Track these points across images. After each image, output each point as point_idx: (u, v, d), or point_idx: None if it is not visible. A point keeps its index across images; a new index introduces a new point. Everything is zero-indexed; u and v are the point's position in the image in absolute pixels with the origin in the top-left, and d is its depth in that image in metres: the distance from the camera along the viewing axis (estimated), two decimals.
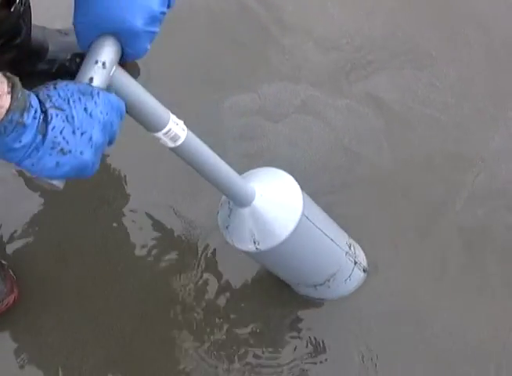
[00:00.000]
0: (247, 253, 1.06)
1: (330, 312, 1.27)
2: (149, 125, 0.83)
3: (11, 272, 1.29)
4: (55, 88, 0.70)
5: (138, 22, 0.74)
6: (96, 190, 1.40)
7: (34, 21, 1.30)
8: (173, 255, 1.33)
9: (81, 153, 0.69)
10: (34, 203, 1.40)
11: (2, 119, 0.63)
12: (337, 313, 1.26)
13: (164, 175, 1.40)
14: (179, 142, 0.86)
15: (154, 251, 1.34)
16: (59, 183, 0.72)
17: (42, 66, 1.43)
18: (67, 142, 0.68)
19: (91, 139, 0.69)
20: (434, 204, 1.34)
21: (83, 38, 0.77)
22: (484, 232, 1.31)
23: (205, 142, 0.92)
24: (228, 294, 1.30)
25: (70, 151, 0.68)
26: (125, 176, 1.41)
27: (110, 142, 0.75)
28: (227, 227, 1.05)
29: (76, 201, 1.39)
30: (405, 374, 1.21)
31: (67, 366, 1.26)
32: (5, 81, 0.65)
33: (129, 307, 1.30)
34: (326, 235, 1.12)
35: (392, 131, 1.42)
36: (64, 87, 0.70)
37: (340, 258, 1.20)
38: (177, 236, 1.35)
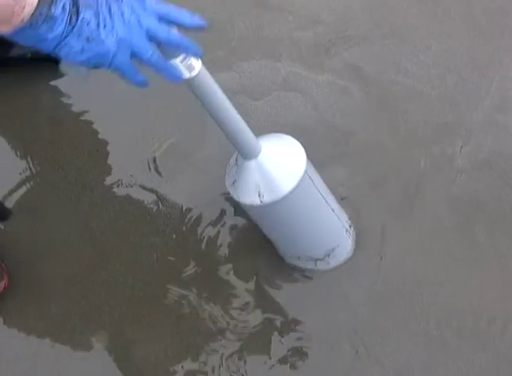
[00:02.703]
0: (252, 209, 1.11)
1: (317, 292, 1.27)
2: (168, 51, 0.87)
3: None
4: None
5: None
6: (79, 177, 1.39)
7: None
8: (158, 239, 1.32)
9: (103, 42, 0.79)
10: (17, 191, 1.38)
11: (33, 13, 0.73)
12: (323, 292, 1.26)
13: (145, 160, 1.39)
14: (194, 73, 0.90)
15: (139, 236, 1.33)
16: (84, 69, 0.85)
17: (17, 52, 1.41)
18: (92, 32, 0.78)
19: (112, 29, 0.79)
20: (421, 177, 1.34)
21: None
22: (472, 203, 1.31)
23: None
24: (214, 277, 1.29)
25: (94, 39, 0.78)
26: (107, 162, 1.40)
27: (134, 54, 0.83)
28: (233, 183, 1.09)
29: (59, 188, 1.38)
30: (396, 350, 1.21)
31: (55, 354, 1.25)
32: None
33: (116, 293, 1.29)
34: (328, 203, 1.15)
35: (376, 105, 1.42)
36: None
37: (340, 233, 1.22)
38: (161, 220, 1.34)
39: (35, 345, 1.26)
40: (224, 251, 1.30)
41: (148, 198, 1.36)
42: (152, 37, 0.83)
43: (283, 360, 1.22)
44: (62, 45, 0.78)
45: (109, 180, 1.38)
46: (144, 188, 1.37)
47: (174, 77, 0.87)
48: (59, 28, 0.76)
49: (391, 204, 1.32)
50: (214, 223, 1.32)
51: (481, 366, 1.18)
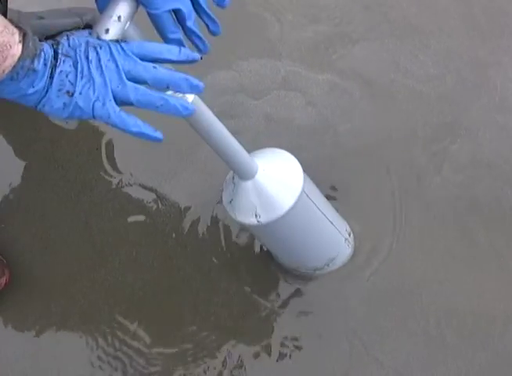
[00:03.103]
0: (249, 228, 1.09)
1: (316, 292, 1.27)
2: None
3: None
4: (67, 38, 0.76)
5: None
6: (79, 176, 1.39)
7: (10, 4, 1.27)
8: (157, 238, 1.32)
9: (81, 94, 0.76)
10: (16, 189, 1.38)
11: (15, 66, 0.70)
12: (322, 291, 1.27)
13: (146, 158, 1.39)
14: None
15: (138, 235, 1.33)
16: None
17: None
18: (72, 85, 0.75)
19: (89, 79, 0.76)
20: (421, 177, 1.34)
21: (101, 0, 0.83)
22: (472, 203, 1.31)
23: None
24: (214, 276, 1.29)
25: (73, 92, 0.75)
26: (107, 160, 1.40)
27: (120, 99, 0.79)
28: (230, 202, 1.08)
29: (58, 187, 1.38)
30: (396, 350, 1.21)
31: (54, 353, 1.25)
32: (16, 31, 0.71)
33: (116, 292, 1.29)
34: (326, 217, 1.14)
35: (375, 104, 1.41)
36: (75, 37, 0.77)
37: (339, 243, 1.22)
38: (160, 219, 1.34)
39: (35, 343, 1.26)
40: (224, 250, 1.30)
41: (148, 197, 1.36)
42: (136, 79, 0.78)
43: (282, 360, 1.22)
44: (44, 101, 0.75)
45: (108, 179, 1.38)
46: (144, 187, 1.37)
47: (182, 108, 0.81)
48: (41, 83, 0.73)
49: (391, 204, 1.32)
50: (213, 222, 1.32)
51: (481, 365, 1.18)
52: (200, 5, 0.85)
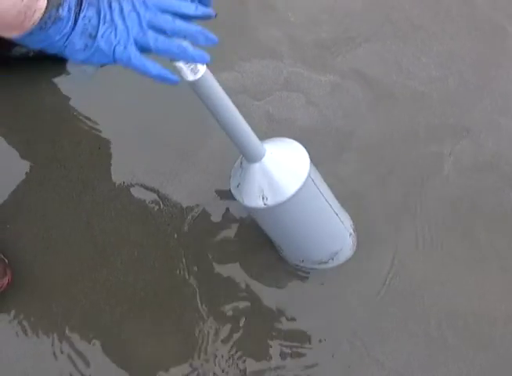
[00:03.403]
0: (256, 213, 1.12)
1: (317, 293, 1.27)
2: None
3: (1, 256, 1.27)
4: None
5: None
6: (80, 175, 1.39)
7: None
8: (159, 239, 1.32)
9: (103, 38, 0.82)
10: (17, 189, 1.38)
11: (43, 17, 0.78)
12: (323, 292, 1.26)
13: (148, 158, 1.39)
14: (198, 76, 0.90)
15: (140, 235, 1.33)
16: (90, 70, 0.90)
17: (18, 51, 1.40)
18: (93, 29, 0.81)
19: (111, 25, 0.82)
20: (422, 178, 1.34)
21: None
22: (473, 204, 1.31)
23: None
24: (215, 276, 1.29)
25: (95, 36, 0.81)
26: (109, 160, 1.40)
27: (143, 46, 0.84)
28: (238, 186, 1.10)
29: (60, 186, 1.38)
30: (396, 351, 1.21)
31: (55, 353, 1.25)
32: None
33: (117, 292, 1.29)
34: (332, 207, 1.16)
35: (377, 106, 1.41)
36: None
37: (344, 237, 1.22)
38: (162, 220, 1.34)
39: (36, 343, 1.26)
40: (225, 250, 1.30)
41: (149, 197, 1.36)
42: (155, 29, 0.83)
43: (282, 360, 1.22)
44: (67, 44, 0.81)
45: (110, 179, 1.38)
46: (145, 187, 1.37)
47: (198, 56, 0.87)
48: (66, 28, 0.80)
49: (392, 204, 1.32)
50: (215, 223, 1.32)
51: (482, 366, 1.18)
52: None
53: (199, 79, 0.90)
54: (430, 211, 1.31)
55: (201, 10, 0.87)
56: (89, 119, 1.44)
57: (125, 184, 1.37)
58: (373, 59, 1.46)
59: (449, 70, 1.45)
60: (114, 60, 0.84)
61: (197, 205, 1.34)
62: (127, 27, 0.82)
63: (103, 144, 1.41)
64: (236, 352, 1.23)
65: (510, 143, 1.37)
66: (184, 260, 1.30)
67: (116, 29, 0.82)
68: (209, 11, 0.88)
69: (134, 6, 0.83)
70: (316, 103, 1.42)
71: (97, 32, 0.81)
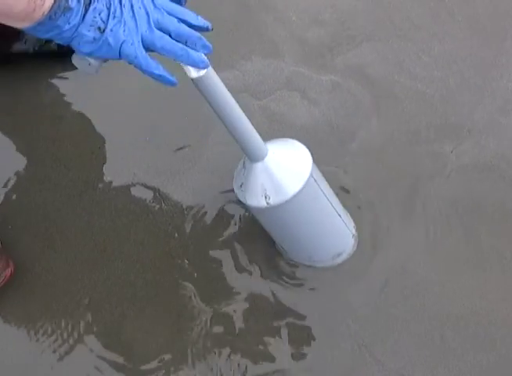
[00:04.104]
0: (259, 213, 1.13)
1: (317, 293, 1.27)
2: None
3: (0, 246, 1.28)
4: None
5: None
6: (81, 175, 1.39)
7: None
8: (159, 238, 1.32)
9: (112, 32, 0.83)
10: (17, 189, 1.38)
11: (52, 7, 0.78)
12: (323, 292, 1.26)
13: (148, 157, 1.39)
14: (202, 73, 0.91)
15: (141, 235, 1.33)
16: (95, 63, 0.88)
17: (19, 47, 1.40)
18: (103, 22, 0.82)
19: (121, 20, 0.83)
20: (424, 178, 1.34)
21: None
22: (475, 204, 1.31)
23: None
24: (216, 276, 1.29)
25: (104, 29, 0.83)
26: (110, 159, 1.40)
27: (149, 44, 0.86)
28: (241, 186, 1.10)
29: (60, 186, 1.38)
30: (397, 351, 1.21)
31: (56, 353, 1.25)
32: None
33: (117, 291, 1.29)
34: (334, 208, 1.16)
35: (378, 106, 1.41)
36: None
37: (347, 238, 1.23)
38: (163, 219, 1.34)
39: (36, 342, 1.26)
40: (226, 250, 1.30)
41: (150, 196, 1.36)
42: (161, 28, 0.86)
43: (282, 360, 1.22)
44: (75, 35, 0.82)
45: (111, 178, 1.38)
46: (146, 186, 1.36)
47: (199, 61, 0.89)
48: (76, 19, 0.81)
49: (393, 204, 1.32)
50: (216, 222, 1.32)
51: (483, 367, 1.18)
52: None
53: (202, 76, 0.91)
54: (432, 211, 1.31)
55: (202, 21, 0.90)
56: (90, 118, 1.44)
57: (126, 183, 1.37)
58: (375, 58, 1.46)
59: (450, 69, 1.45)
60: (120, 56, 0.86)
61: (198, 204, 1.34)
62: (135, 24, 0.84)
63: (104, 143, 1.41)
64: (236, 352, 1.23)
65: (511, 143, 1.37)
66: (184, 259, 1.30)
67: (125, 25, 0.83)
68: (208, 23, 0.91)
69: (143, 3, 0.84)
70: (317, 103, 1.42)
71: (106, 26, 0.82)
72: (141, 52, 0.85)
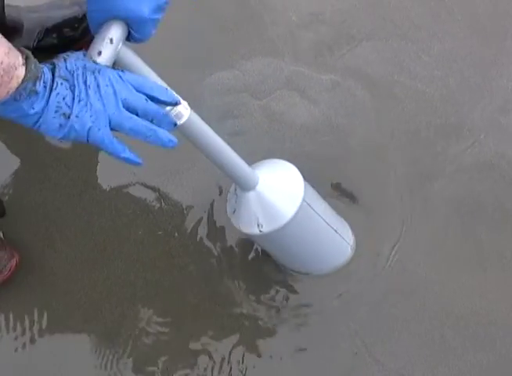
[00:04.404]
0: (253, 237, 1.13)
1: (317, 293, 1.27)
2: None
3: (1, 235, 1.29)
4: (64, 60, 0.79)
5: (146, 11, 0.84)
6: (81, 174, 1.39)
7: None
8: (159, 238, 1.32)
9: (78, 117, 0.78)
10: (18, 188, 1.38)
11: (18, 87, 0.73)
12: (323, 292, 1.26)
13: (149, 157, 1.38)
14: (183, 121, 0.90)
15: (140, 234, 1.33)
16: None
17: (19, 44, 1.40)
18: (69, 107, 0.77)
19: (87, 103, 0.78)
20: (424, 178, 1.34)
21: (95, 23, 0.85)
22: (475, 204, 1.31)
23: None
24: (215, 276, 1.29)
25: (70, 115, 0.77)
26: (110, 159, 1.39)
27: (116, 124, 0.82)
28: (234, 212, 1.11)
29: (61, 185, 1.38)
30: (397, 351, 1.21)
31: (55, 352, 1.25)
32: (19, 54, 0.74)
33: (117, 290, 1.29)
34: (330, 225, 1.16)
35: (378, 105, 1.41)
36: (72, 61, 0.79)
37: (344, 251, 1.24)
38: (163, 219, 1.34)
39: (35, 340, 1.26)
40: (226, 250, 1.30)
41: (150, 196, 1.35)
42: (129, 108, 0.81)
43: (283, 360, 1.22)
44: (41, 122, 0.77)
45: (111, 178, 1.38)
46: (146, 186, 1.36)
47: (167, 140, 0.86)
48: (40, 104, 0.76)
49: (393, 204, 1.32)
50: (216, 222, 1.32)
51: (482, 366, 1.18)
52: None
53: (183, 123, 0.91)
54: (432, 211, 1.31)
55: (171, 96, 0.87)
56: None
57: (126, 183, 1.37)
58: (374, 58, 1.46)
59: (450, 69, 1.45)
60: (87, 141, 0.81)
61: (198, 204, 1.34)
62: (103, 106, 0.79)
63: None
64: (236, 352, 1.23)
65: (511, 142, 1.36)
66: (184, 259, 1.30)
67: (91, 108, 0.78)
68: (177, 99, 0.88)
69: (110, 81, 0.80)
70: (317, 102, 1.42)
71: (71, 112, 0.78)
72: (108, 137, 0.81)
